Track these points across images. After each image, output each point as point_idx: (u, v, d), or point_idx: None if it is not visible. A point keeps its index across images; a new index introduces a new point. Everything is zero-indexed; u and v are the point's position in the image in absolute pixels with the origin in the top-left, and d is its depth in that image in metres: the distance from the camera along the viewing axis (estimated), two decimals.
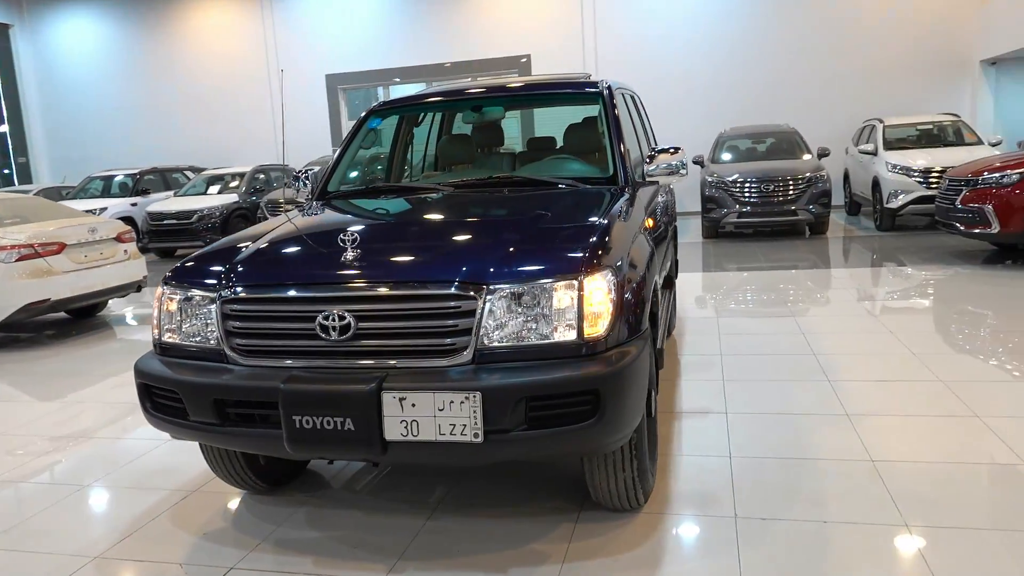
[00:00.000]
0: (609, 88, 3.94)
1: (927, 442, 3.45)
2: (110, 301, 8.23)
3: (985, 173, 7.55)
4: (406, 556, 2.72)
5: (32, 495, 3.49)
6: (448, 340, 2.37)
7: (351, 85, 16.85)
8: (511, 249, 2.51)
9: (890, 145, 11.18)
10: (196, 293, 2.67)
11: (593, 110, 4.02)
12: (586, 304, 2.37)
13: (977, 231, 7.62)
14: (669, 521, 2.87)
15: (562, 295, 2.37)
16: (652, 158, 3.60)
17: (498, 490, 3.21)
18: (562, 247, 2.55)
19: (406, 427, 2.29)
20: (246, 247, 2.83)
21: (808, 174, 10.51)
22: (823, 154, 11.54)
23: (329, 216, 3.33)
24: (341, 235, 2.61)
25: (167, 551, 2.89)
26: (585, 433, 2.33)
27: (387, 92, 17.23)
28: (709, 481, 3.18)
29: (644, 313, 2.62)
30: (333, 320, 2.41)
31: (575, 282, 2.38)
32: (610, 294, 2.42)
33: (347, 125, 17.02)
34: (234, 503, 3.26)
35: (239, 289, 2.56)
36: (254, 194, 13.73)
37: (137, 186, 14.56)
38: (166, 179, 15.34)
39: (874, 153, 11.10)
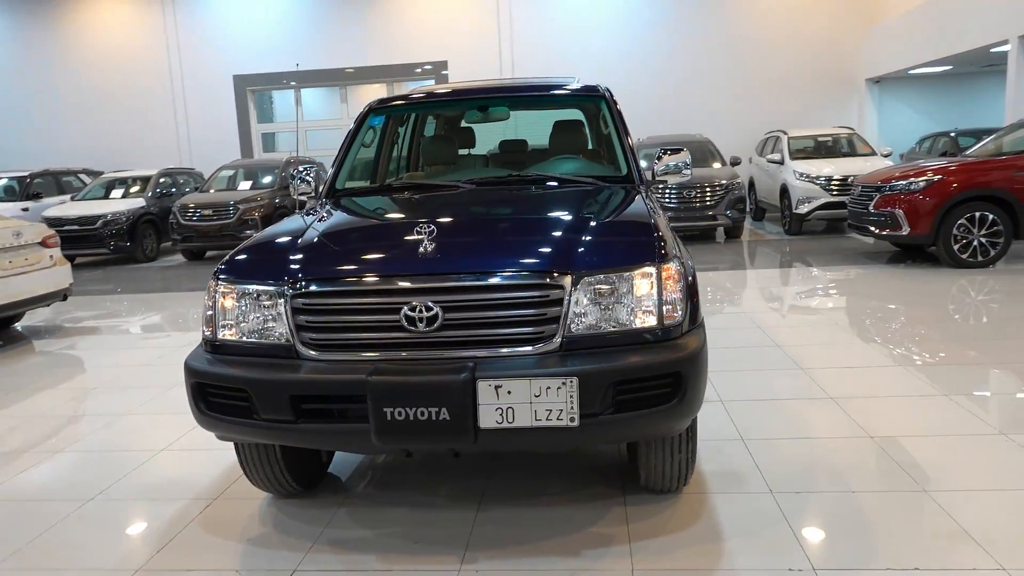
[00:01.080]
0: (609, 91, 4.10)
1: (913, 419, 3.79)
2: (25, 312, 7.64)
3: (894, 180, 8.27)
4: (472, 547, 2.75)
5: (33, 512, 3.25)
6: (536, 328, 2.44)
7: (261, 87, 16.33)
8: (589, 240, 2.60)
9: (794, 155, 12.00)
10: (258, 287, 2.59)
11: (576, 113, 4.19)
12: (664, 291, 2.50)
13: (888, 233, 8.32)
14: (712, 499, 3.03)
15: (641, 283, 2.49)
16: (660, 159, 3.78)
17: (533, 481, 3.27)
18: (634, 238, 2.67)
19: (501, 414, 2.33)
20: (303, 240, 2.78)
21: (725, 181, 11.11)
22: (735, 162, 12.24)
23: (371, 210, 3.29)
24: (417, 227, 2.62)
25: (215, 559, 2.78)
26: (666, 415, 2.45)
27: (298, 94, 16.80)
28: (731, 462, 3.37)
29: (699, 302, 2.77)
30: (420, 311, 2.41)
31: (653, 270, 2.51)
32: (679, 282, 2.56)
33: (257, 128, 16.48)
34: (266, 508, 3.16)
35: (313, 282, 2.52)
36: (161, 198, 13.06)
37: (27, 190, 13.52)
38: (59, 182, 14.32)
39: (781, 162, 11.88)
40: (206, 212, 11.89)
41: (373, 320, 2.47)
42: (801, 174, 11.26)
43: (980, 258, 7.86)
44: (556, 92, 4.20)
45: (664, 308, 2.49)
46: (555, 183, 3.54)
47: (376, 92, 17.31)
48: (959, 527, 2.70)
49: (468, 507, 3.06)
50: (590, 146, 4.54)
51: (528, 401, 2.33)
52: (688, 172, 3.82)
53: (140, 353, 6.21)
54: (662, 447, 2.83)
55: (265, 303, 2.58)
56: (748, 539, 2.72)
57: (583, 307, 2.45)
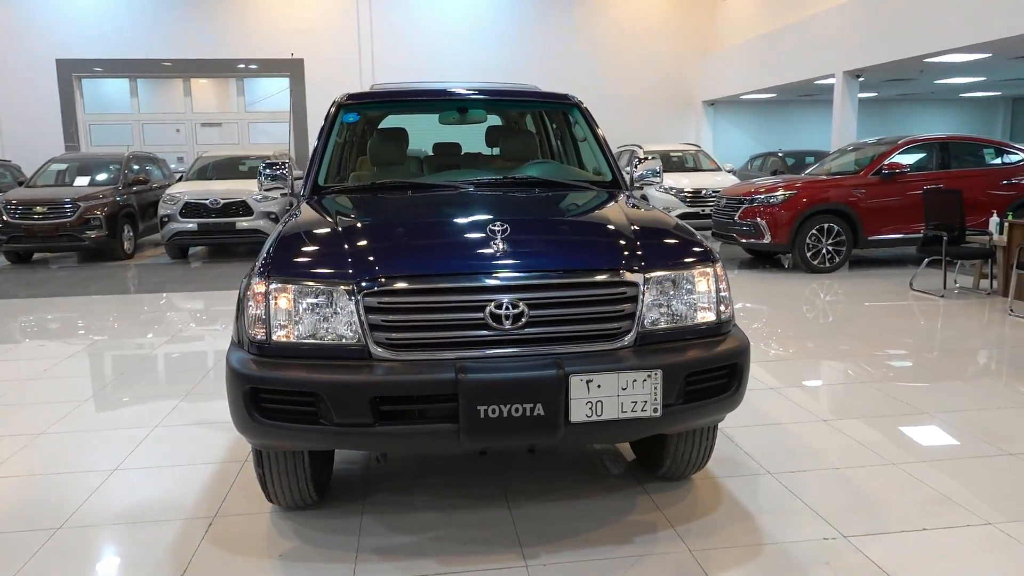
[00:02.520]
0: (579, 100, 4.26)
1: (854, 402, 4.27)
2: None
3: (755, 194, 9.16)
4: (526, 544, 2.76)
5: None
6: (614, 324, 2.52)
7: (89, 74, 14.78)
8: (649, 240, 2.72)
9: None
10: (322, 286, 2.45)
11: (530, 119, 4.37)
12: (719, 289, 2.68)
13: (752, 241, 9.19)
14: (722, 483, 3.26)
15: (700, 280, 2.66)
16: (636, 166, 3.98)
17: (546, 479, 3.33)
18: (686, 239, 2.82)
19: (591, 408, 2.38)
20: (358, 237, 2.66)
21: None
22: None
23: (402, 208, 3.20)
24: (489, 225, 2.60)
25: None
26: (723, 404, 2.64)
27: (135, 86, 15.39)
28: (720, 450, 3.60)
29: None
30: (506, 308, 2.41)
31: (710, 269, 2.68)
32: (725, 281, 2.75)
33: (85, 118, 14.90)
34: (280, 522, 2.96)
35: (391, 280, 2.43)
36: None
37: None
38: None
39: None
40: (39, 210, 10.59)
41: (456, 318, 2.43)
42: (660, 186, 12.09)
43: (828, 264, 8.91)
44: (534, 99, 4.28)
45: (720, 305, 2.68)
46: (556, 186, 3.63)
47: (218, 87, 16.31)
48: (939, 493, 3.12)
49: (497, 507, 3.06)
50: (547, 151, 4.68)
51: (616, 394, 2.40)
52: (659, 180, 4.06)
53: (14, 367, 5.46)
54: (693, 436, 3.01)
55: (331, 302, 2.44)
56: (774, 515, 2.97)
57: (652, 303, 2.57)
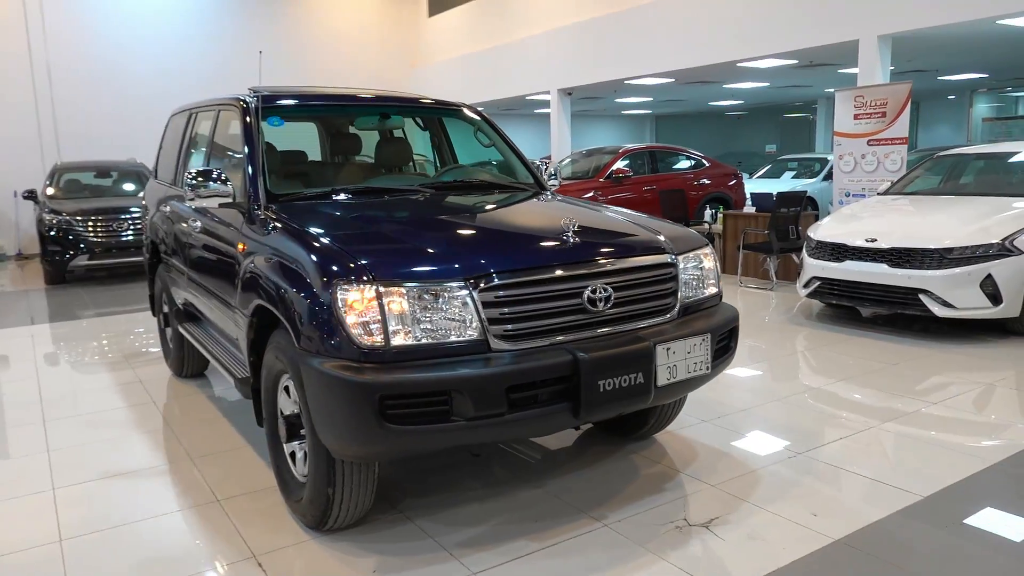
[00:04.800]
0: (480, 109, 4.55)
1: None
2: None
3: None
4: (584, 509, 3.04)
5: None
6: (667, 300, 2.95)
7: None
8: (664, 228, 3.18)
9: None
10: (439, 286, 2.48)
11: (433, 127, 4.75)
12: (716, 266, 3.25)
13: None
14: (680, 434, 3.84)
15: (705, 261, 3.20)
16: (545, 167, 4.40)
17: (539, 458, 3.60)
18: (685, 228, 3.32)
19: (670, 372, 2.78)
20: (448, 237, 2.79)
21: None
22: None
23: (423, 207, 3.29)
24: (563, 220, 2.83)
25: None
26: (727, 361, 3.21)
27: None
28: None
29: None
30: (600, 293, 2.69)
31: (710, 250, 3.24)
32: (718, 260, 3.34)
33: None
34: (334, 545, 2.82)
35: (506, 275, 2.55)
36: None
37: None
38: None
39: None
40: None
41: (563, 305, 2.64)
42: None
43: None
44: (433, 108, 4.45)
45: (719, 279, 3.25)
46: (507, 189, 3.92)
47: None
48: (824, 413, 4.08)
49: (526, 489, 3.26)
50: (419, 158, 4.90)
51: (684, 358, 2.84)
52: (556, 182, 4.52)
53: None
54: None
55: (445, 300, 2.48)
56: (741, 448, 3.63)
57: (684, 281, 3.05)
